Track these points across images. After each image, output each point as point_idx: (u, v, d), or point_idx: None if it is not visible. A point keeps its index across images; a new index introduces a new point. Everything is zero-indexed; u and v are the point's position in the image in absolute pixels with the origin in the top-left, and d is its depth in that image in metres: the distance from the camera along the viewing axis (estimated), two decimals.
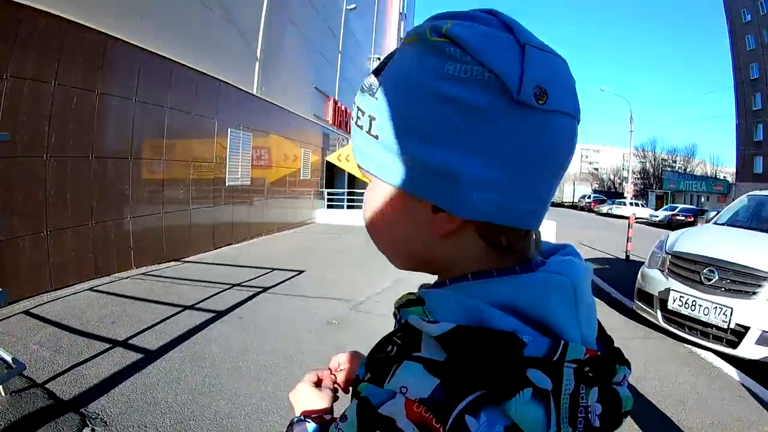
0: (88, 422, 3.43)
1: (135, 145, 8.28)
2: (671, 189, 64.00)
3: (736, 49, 57.06)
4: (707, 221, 8.93)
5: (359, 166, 0.65)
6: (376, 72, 0.63)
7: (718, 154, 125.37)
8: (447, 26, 0.56)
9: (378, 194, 0.65)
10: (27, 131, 6.23)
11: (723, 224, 7.83)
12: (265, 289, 7.54)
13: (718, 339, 5.62)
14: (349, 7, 22.39)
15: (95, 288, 7.03)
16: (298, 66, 16.86)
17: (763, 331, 5.16)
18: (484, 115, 0.55)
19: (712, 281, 5.80)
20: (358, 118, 0.64)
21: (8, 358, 3.80)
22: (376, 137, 0.61)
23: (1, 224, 5.46)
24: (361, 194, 16.45)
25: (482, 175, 0.56)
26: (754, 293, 5.46)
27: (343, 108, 21.83)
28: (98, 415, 3.55)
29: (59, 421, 3.41)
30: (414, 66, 0.58)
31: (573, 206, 66.22)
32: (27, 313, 5.69)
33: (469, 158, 0.56)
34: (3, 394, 3.64)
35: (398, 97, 0.59)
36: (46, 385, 3.92)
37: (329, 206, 20.30)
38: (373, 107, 0.61)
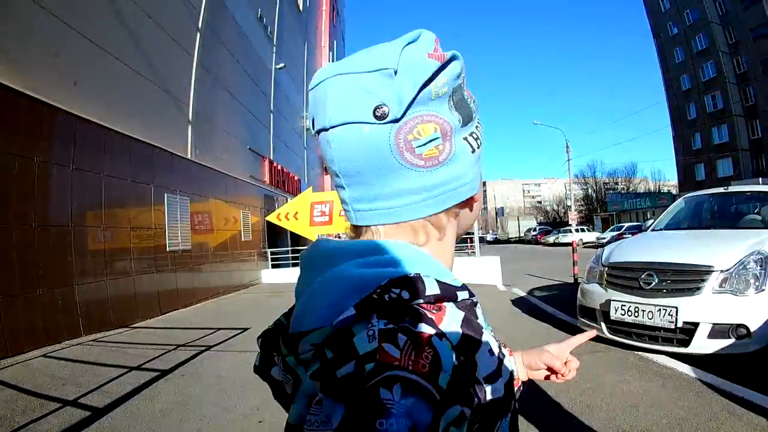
0: None
1: (75, 213, 8.22)
2: (616, 210, 65.53)
3: (665, 62, 59.69)
4: (644, 230, 8.97)
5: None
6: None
7: (659, 168, 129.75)
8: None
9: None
10: None
11: (661, 230, 7.96)
12: (208, 347, 7.55)
13: (667, 341, 5.60)
14: (278, 67, 22.80)
15: (48, 354, 7.10)
16: (231, 128, 17.02)
17: (714, 324, 5.18)
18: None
19: (652, 285, 5.80)
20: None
21: None
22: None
23: None
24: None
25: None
26: (698, 289, 5.47)
27: (279, 167, 21.97)
28: None
29: None
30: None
31: (520, 241, 67.44)
32: None
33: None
34: None
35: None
36: None
37: (273, 266, 20.12)
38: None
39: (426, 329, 0.56)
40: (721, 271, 5.41)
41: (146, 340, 8.11)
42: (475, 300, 0.67)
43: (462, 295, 0.65)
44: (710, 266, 5.50)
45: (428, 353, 0.53)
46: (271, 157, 21.25)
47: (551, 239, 53.72)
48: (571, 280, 15.16)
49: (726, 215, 7.78)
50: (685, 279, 5.62)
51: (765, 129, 47.98)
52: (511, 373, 0.69)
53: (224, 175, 15.75)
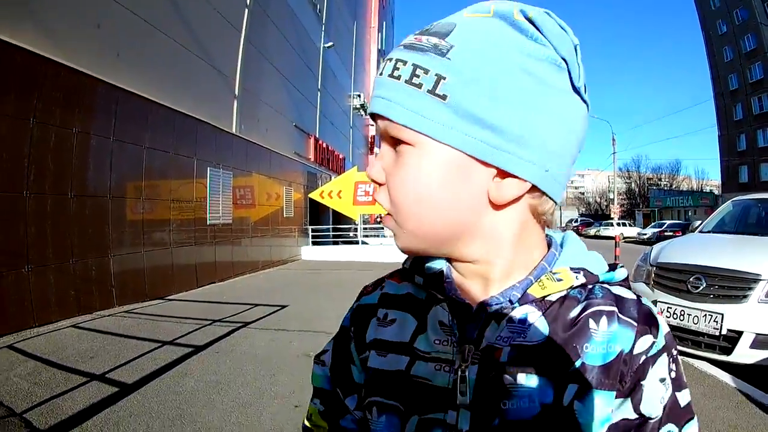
0: None
1: (114, 184, 8.31)
2: (658, 206, 64.54)
3: (713, 61, 58.14)
4: (692, 231, 8.76)
5: (404, 125, 0.63)
6: (434, 35, 0.63)
7: (703, 167, 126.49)
8: (533, 13, 0.62)
9: (429, 160, 0.64)
10: (7, 168, 6.30)
11: (708, 232, 7.75)
12: (245, 324, 7.49)
13: (710, 347, 5.44)
14: (326, 45, 22.77)
15: (77, 324, 7.05)
16: (277, 104, 17.07)
17: (757, 334, 5.03)
18: (555, 92, 0.62)
19: (700, 289, 5.63)
20: (414, 76, 0.62)
21: None
22: (444, 97, 0.61)
23: None
24: (346, 230, 16.31)
25: (548, 145, 0.62)
26: (744, 297, 5.30)
27: (324, 145, 22.06)
28: None
29: None
30: (499, 38, 0.61)
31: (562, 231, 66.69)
32: (10, 347, 5.77)
33: (540, 128, 0.61)
34: None
35: (483, 63, 0.60)
36: (24, 415, 3.97)
37: (314, 243, 20.28)
38: (442, 67, 0.61)
39: None
40: None
41: (181, 314, 8.15)
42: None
43: (418, 278, 0.76)
44: (758, 274, 5.30)
45: None
46: (317, 135, 21.33)
47: (592, 231, 53.13)
48: None
49: None
50: (733, 285, 5.44)
51: None
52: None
53: (269, 150, 15.83)
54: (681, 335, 5.68)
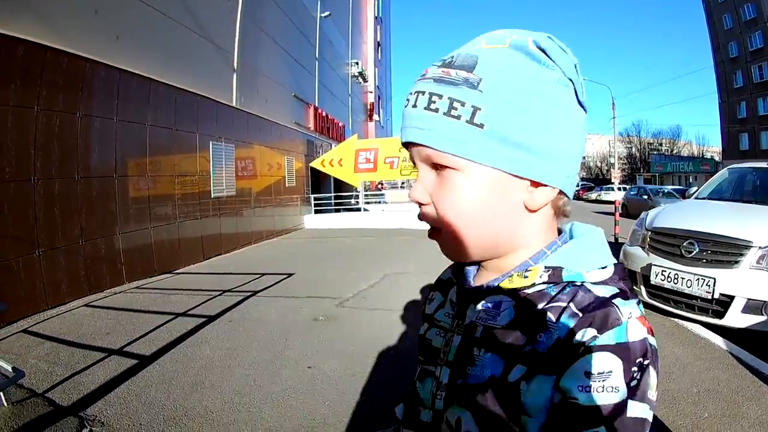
0: (86, 424, 3.60)
1: (119, 164, 8.46)
2: (659, 171, 64.09)
3: (713, 29, 57.19)
4: (688, 197, 8.83)
5: (448, 153, 0.75)
6: (460, 68, 0.74)
7: (704, 133, 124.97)
8: (543, 42, 0.75)
9: (473, 181, 0.76)
10: (14, 156, 6.42)
11: (704, 198, 7.88)
12: (254, 293, 7.68)
13: (703, 310, 5.62)
14: (323, 15, 22.59)
15: (90, 304, 7.17)
16: (276, 75, 17.06)
17: (749, 299, 5.17)
18: (567, 109, 0.76)
19: (693, 253, 5.80)
20: (452, 108, 0.73)
21: (8, 367, 3.94)
22: (481, 126, 0.72)
23: (2, 308, 5.63)
24: (348, 197, 16.45)
25: (566, 154, 0.78)
26: (736, 262, 5.46)
27: (324, 114, 22.05)
28: (96, 417, 3.72)
29: (59, 424, 3.58)
30: (520, 69, 0.73)
31: None
32: (25, 331, 5.84)
33: (560, 142, 0.76)
34: (5, 404, 3.81)
35: (510, 92, 0.72)
36: (46, 394, 4.09)
37: (317, 212, 20.43)
38: (477, 99, 0.72)
39: None
40: (760, 248, 5.38)
41: (191, 286, 8.31)
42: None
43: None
44: (750, 241, 5.46)
45: None
46: (316, 104, 21.30)
47: (593, 196, 51.88)
48: (612, 240, 14.90)
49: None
50: (725, 251, 5.60)
51: None
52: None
53: (269, 122, 15.90)
54: (675, 298, 5.89)
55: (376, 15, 39.29)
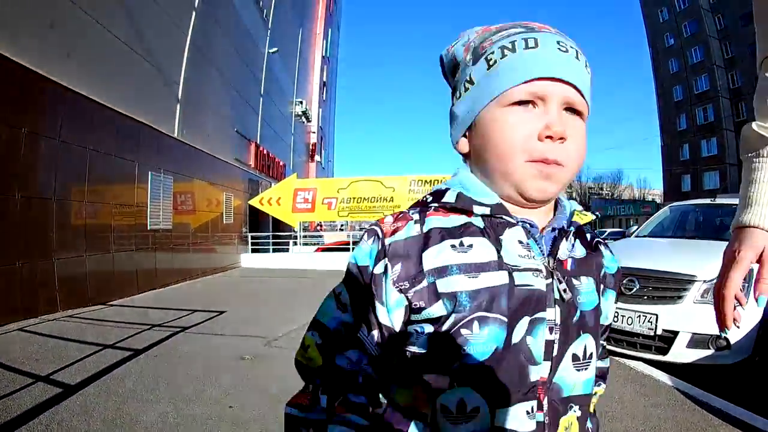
0: None
1: (58, 186, 8.14)
2: (599, 215, 65.28)
3: (659, 73, 60.57)
4: (628, 236, 9.02)
5: (586, 100, 0.90)
6: (571, 44, 0.89)
7: (645, 176, 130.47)
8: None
9: (582, 125, 0.90)
10: None
11: (644, 236, 7.97)
12: (183, 329, 7.56)
13: (646, 347, 5.59)
14: (271, 51, 22.66)
15: (24, 328, 7.10)
16: (219, 109, 16.92)
17: (693, 333, 5.16)
18: None
19: (633, 291, 5.76)
20: (586, 67, 0.90)
21: None
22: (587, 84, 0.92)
23: None
24: (286, 237, 16.27)
25: None
26: (679, 297, 5.45)
27: (265, 152, 21.93)
28: None
29: None
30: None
31: None
32: None
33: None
34: None
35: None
36: None
37: (254, 250, 20.11)
38: (588, 70, 0.93)
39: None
40: (704, 281, 5.36)
41: (122, 318, 8.12)
42: (488, 222, 0.90)
43: (479, 209, 0.89)
44: (693, 275, 5.48)
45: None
46: (258, 141, 21.19)
47: None
48: None
49: (710, 226, 7.78)
50: (667, 287, 5.61)
51: None
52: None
53: (210, 156, 15.67)
54: (616, 336, 5.83)
55: (323, 54, 39.74)
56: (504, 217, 0.88)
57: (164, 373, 5.49)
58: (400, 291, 0.86)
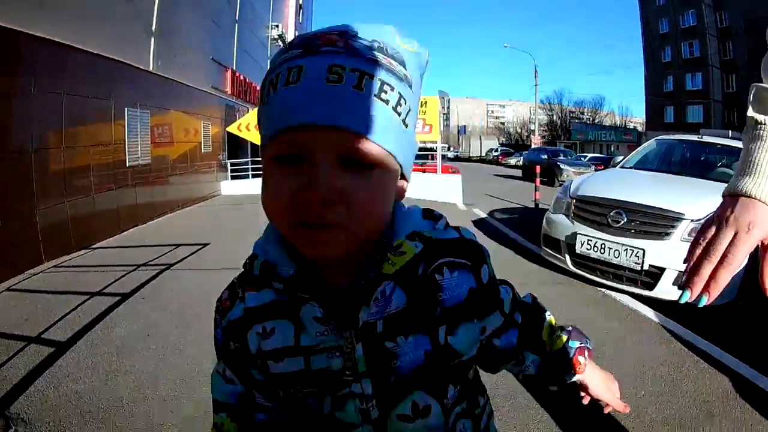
0: (11, 424, 3.48)
1: (36, 137, 8.08)
2: (580, 139, 64.75)
3: (644, 3, 59.12)
4: (613, 166, 8.87)
5: (382, 147, 0.70)
6: (400, 63, 0.73)
7: (627, 104, 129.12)
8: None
9: (390, 176, 0.75)
10: None
11: (630, 168, 7.90)
12: (168, 266, 7.60)
13: (632, 281, 5.66)
14: None
15: (11, 288, 6.87)
16: (194, 38, 16.48)
17: (680, 272, 4.98)
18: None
19: (621, 223, 5.81)
20: (398, 105, 0.71)
21: None
22: (406, 126, 0.74)
23: None
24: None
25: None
26: (667, 234, 5.50)
27: (241, 78, 21.56)
28: (19, 415, 3.60)
29: None
30: (420, 72, 0.80)
31: (481, 160, 66.20)
32: None
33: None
34: None
35: (417, 95, 0.78)
36: None
37: (233, 177, 20.19)
38: (411, 99, 0.74)
39: None
40: (692, 221, 5.42)
41: (106, 261, 8.11)
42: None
43: (276, 284, 0.82)
44: (681, 213, 5.54)
45: None
46: (234, 68, 20.79)
47: (512, 161, 52.47)
48: (532, 205, 15.31)
49: (697, 164, 7.75)
50: (655, 222, 5.67)
51: (740, 85, 47.83)
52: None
53: (186, 86, 15.44)
54: (602, 268, 5.94)
55: None
56: (298, 293, 0.79)
57: (153, 316, 5.53)
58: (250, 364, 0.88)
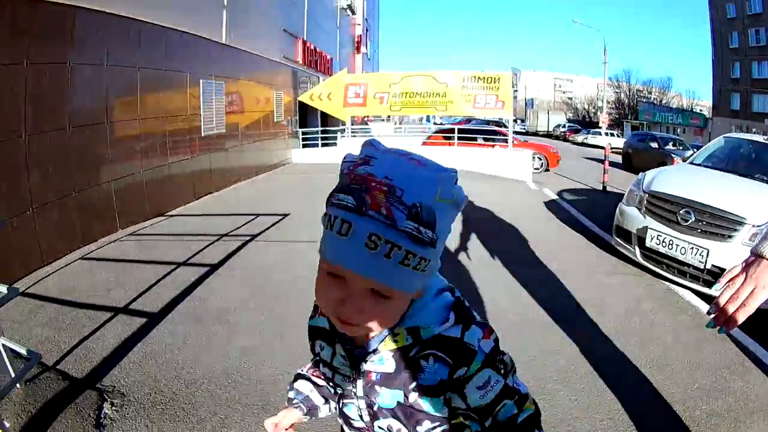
0: (106, 396, 3.45)
1: (110, 109, 8.33)
2: (647, 120, 61.93)
3: None
4: (683, 160, 9.12)
5: (401, 290, 0.93)
6: (428, 225, 0.88)
7: (694, 89, 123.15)
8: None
9: (404, 301, 0.98)
10: (4, 115, 6.12)
11: (699, 164, 7.99)
12: (252, 237, 7.64)
13: (695, 278, 5.83)
14: None
15: (86, 256, 6.84)
16: (265, 10, 16.69)
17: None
18: None
19: (689, 222, 5.99)
20: (418, 266, 0.90)
21: (22, 351, 3.54)
22: (424, 272, 0.93)
23: (4, 222, 5.57)
24: (334, 132, 16.44)
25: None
26: (730, 236, 5.63)
27: (312, 47, 21.69)
28: (114, 387, 3.57)
29: (78, 401, 3.39)
30: (450, 222, 0.95)
31: (548, 135, 63.66)
32: (24, 294, 5.18)
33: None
34: (18, 385, 3.47)
35: (443, 240, 0.94)
36: (58, 366, 3.87)
37: (304, 146, 20.49)
38: (432, 255, 0.92)
39: None
40: (753, 225, 5.53)
41: (185, 230, 8.23)
42: None
43: (325, 323, 1.20)
44: (743, 218, 5.64)
45: None
46: (305, 38, 20.94)
47: (579, 138, 51.62)
48: (600, 188, 15.04)
49: (763, 166, 7.51)
50: (720, 224, 5.79)
51: None
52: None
53: (258, 57, 15.71)
54: (668, 263, 6.16)
55: None
56: (325, 324, 1.18)
57: (247, 288, 5.53)
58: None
